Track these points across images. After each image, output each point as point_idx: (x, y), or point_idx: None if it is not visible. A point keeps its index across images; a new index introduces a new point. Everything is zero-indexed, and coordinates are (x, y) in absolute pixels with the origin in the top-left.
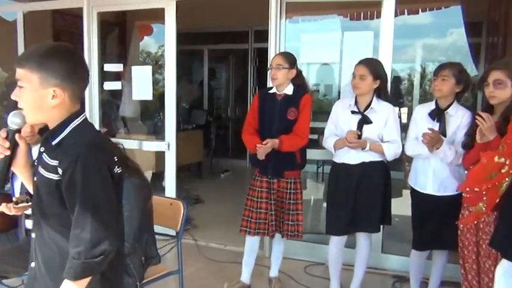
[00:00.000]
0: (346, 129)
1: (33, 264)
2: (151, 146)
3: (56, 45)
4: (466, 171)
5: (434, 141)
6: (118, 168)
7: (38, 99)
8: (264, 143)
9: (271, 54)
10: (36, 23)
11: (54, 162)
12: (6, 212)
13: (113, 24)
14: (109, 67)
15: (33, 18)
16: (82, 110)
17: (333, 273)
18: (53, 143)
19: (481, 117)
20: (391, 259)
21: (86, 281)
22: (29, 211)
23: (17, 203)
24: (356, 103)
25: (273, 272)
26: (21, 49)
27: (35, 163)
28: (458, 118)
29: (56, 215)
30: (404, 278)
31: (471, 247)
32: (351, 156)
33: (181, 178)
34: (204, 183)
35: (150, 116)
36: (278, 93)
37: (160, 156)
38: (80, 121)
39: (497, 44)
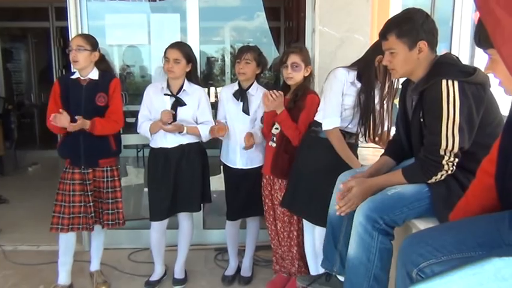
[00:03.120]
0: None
1: None
2: None
3: None
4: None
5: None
6: None
7: None
8: (76, 125)
9: (72, 34)
10: None
11: None
12: None
13: None
14: None
15: None
16: None
17: (156, 257)
18: None
19: (275, 94)
20: (212, 234)
21: None
22: None
23: None
24: (168, 86)
25: (94, 266)
26: None
27: None
28: (258, 97)
29: None
30: (225, 249)
31: (269, 211)
32: (168, 140)
33: None
34: (8, 180)
35: None
36: (82, 78)
37: None
38: None
39: (293, 28)
